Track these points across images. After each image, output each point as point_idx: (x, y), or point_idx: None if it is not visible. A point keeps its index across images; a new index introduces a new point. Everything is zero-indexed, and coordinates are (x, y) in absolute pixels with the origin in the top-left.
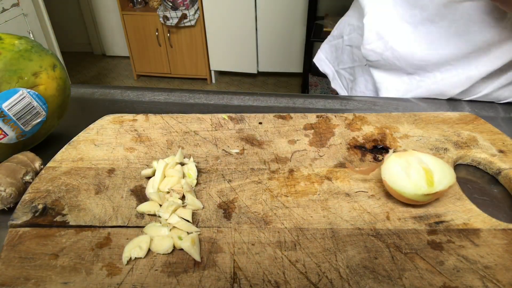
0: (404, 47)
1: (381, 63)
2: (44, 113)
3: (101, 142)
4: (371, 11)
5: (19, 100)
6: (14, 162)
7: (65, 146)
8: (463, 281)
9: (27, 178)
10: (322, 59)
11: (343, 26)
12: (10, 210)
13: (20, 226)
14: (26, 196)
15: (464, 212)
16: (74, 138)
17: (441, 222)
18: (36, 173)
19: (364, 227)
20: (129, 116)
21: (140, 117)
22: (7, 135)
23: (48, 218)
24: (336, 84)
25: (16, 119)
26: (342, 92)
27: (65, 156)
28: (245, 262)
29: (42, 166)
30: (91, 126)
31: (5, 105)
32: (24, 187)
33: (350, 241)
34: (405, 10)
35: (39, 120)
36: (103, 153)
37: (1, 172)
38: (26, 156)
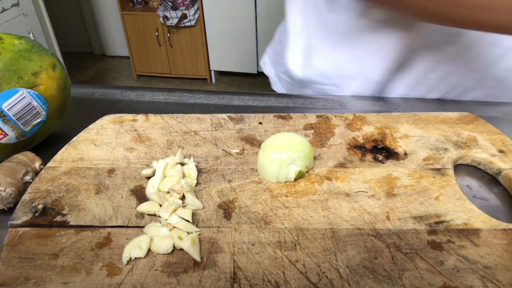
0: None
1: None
2: (44, 113)
3: (101, 142)
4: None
5: (19, 100)
6: (14, 162)
7: (65, 146)
8: (463, 281)
9: (27, 178)
10: (266, 62)
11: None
12: (10, 210)
13: (20, 226)
14: (26, 196)
15: (464, 212)
16: (74, 138)
17: (441, 222)
18: (36, 173)
19: (364, 227)
20: (129, 116)
21: (140, 117)
22: (7, 135)
23: (48, 218)
24: (277, 87)
25: (16, 119)
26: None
27: (65, 156)
28: (245, 262)
29: (42, 166)
30: (91, 126)
31: (5, 105)
32: (24, 187)
33: (350, 241)
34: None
35: (39, 120)
36: (103, 153)
37: (1, 172)
38: (26, 156)
